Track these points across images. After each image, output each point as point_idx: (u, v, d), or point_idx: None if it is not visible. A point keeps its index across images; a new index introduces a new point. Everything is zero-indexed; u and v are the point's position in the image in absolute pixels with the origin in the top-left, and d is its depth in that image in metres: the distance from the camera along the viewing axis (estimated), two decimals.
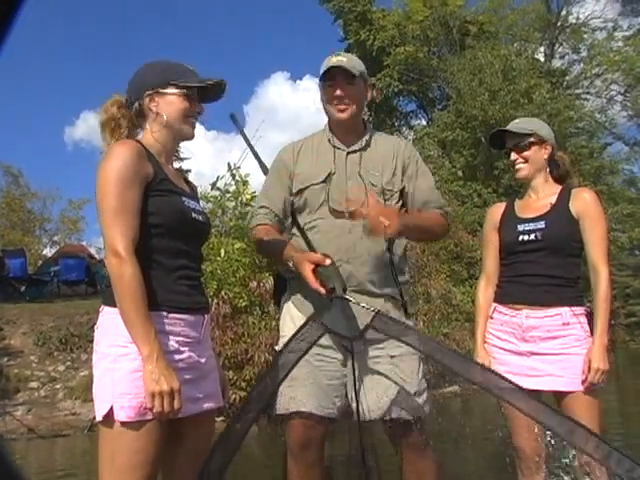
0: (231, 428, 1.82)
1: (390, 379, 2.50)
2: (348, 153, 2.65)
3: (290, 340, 2.07)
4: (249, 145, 2.76)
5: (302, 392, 2.48)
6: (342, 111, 2.62)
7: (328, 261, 2.29)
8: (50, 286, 15.51)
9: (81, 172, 57.54)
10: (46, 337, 10.89)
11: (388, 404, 2.48)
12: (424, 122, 28.83)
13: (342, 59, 2.61)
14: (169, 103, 2.16)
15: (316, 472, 2.54)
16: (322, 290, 2.25)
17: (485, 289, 2.98)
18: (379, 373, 2.50)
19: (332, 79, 2.61)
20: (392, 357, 2.43)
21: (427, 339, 2.13)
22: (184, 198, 2.16)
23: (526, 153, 2.86)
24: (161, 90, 2.15)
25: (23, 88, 54.24)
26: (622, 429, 7.57)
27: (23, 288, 15.14)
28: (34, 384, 9.71)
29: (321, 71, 2.61)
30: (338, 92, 2.61)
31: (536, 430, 2.48)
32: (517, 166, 2.89)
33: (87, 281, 15.88)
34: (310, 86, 47.59)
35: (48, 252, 28.82)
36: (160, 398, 1.86)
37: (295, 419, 2.50)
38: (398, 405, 2.49)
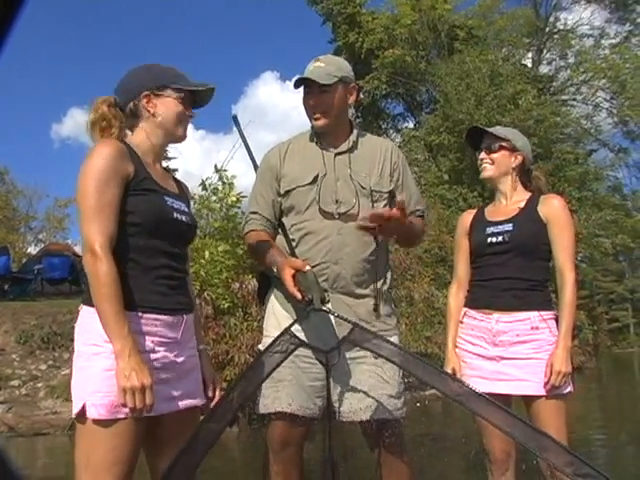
0: (202, 429, 1.82)
1: (372, 379, 2.52)
2: (336, 154, 2.66)
3: (263, 352, 2.07)
4: (247, 149, 2.80)
5: (285, 393, 2.51)
6: (317, 120, 2.64)
7: (307, 267, 2.31)
8: (34, 284, 15.42)
9: (68, 169, 57.37)
10: (28, 335, 10.82)
11: (369, 405, 2.51)
12: (411, 125, 28.95)
13: (320, 65, 2.62)
14: (166, 105, 2.20)
15: (295, 470, 2.58)
16: (298, 295, 2.28)
17: (456, 294, 3.00)
18: (361, 374, 2.53)
19: (307, 86, 2.63)
20: (376, 358, 2.41)
21: (404, 353, 2.15)
22: (167, 198, 2.17)
23: (494, 155, 2.91)
24: (158, 92, 2.20)
25: (10, 84, 53.96)
26: (604, 430, 7.68)
27: (7, 286, 15.06)
28: (15, 382, 9.65)
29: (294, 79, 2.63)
30: (311, 102, 2.64)
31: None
32: (483, 165, 2.95)
33: (71, 280, 15.79)
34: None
35: (33, 250, 28.64)
36: (132, 394, 1.86)
37: (277, 418, 2.53)
38: (378, 406, 2.52)
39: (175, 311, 2.13)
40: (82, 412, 1.95)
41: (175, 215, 2.17)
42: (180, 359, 2.13)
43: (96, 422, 1.93)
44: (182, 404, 2.13)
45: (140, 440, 2.00)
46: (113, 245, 1.98)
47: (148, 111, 2.20)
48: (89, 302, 1.99)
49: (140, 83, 2.20)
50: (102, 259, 1.92)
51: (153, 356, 2.03)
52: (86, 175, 2.02)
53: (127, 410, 1.90)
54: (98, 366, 1.95)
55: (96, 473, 1.94)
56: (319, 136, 2.70)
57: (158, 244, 2.11)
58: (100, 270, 1.92)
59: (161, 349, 2.07)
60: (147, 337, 2.03)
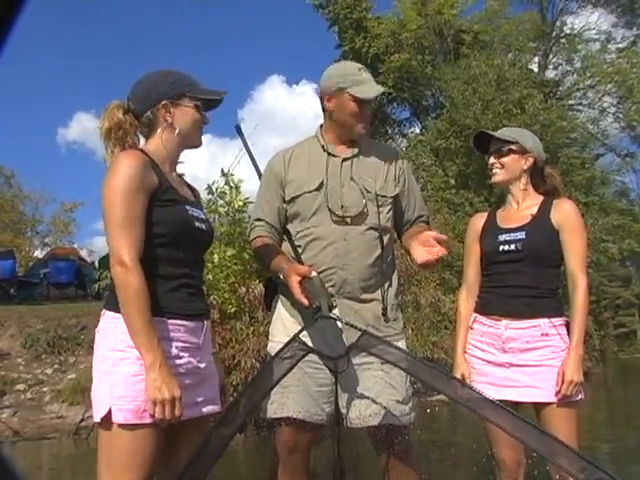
0: (211, 436, 1.81)
1: (380, 385, 2.52)
2: (343, 160, 2.66)
3: (272, 358, 2.08)
4: (251, 157, 2.79)
5: (292, 399, 2.51)
6: (364, 128, 2.67)
7: (313, 273, 2.33)
8: (40, 288, 15.46)
9: (73, 174, 57.63)
10: (34, 339, 10.85)
11: (377, 411, 2.51)
12: (417, 130, 28.87)
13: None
14: (185, 114, 2.21)
15: (302, 476, 2.59)
16: (305, 301, 2.30)
17: (466, 300, 2.98)
18: (369, 380, 2.52)
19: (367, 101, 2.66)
20: (383, 364, 2.42)
21: (413, 359, 2.14)
22: (188, 207, 2.19)
23: (504, 159, 2.87)
24: (176, 101, 2.20)
25: (17, 89, 54.18)
26: (610, 437, 7.63)
27: (12, 290, 15.11)
28: (21, 387, 9.67)
29: (361, 91, 2.59)
30: (367, 113, 2.67)
31: (515, 442, 2.48)
32: (493, 170, 2.91)
33: (77, 284, 15.83)
34: (306, 91, 47.79)
35: (39, 254, 28.81)
36: (161, 405, 1.90)
37: (285, 424, 2.53)
38: (386, 412, 2.51)
39: (196, 317, 2.16)
40: (107, 416, 1.95)
41: (196, 224, 2.19)
42: (202, 365, 2.16)
43: (121, 426, 1.94)
44: (204, 410, 2.15)
45: (161, 444, 2.02)
46: (140, 256, 1.99)
47: (166, 120, 2.20)
48: (112, 308, 2.02)
49: (158, 92, 2.19)
50: (132, 271, 1.94)
51: (178, 362, 2.05)
52: (113, 187, 2.01)
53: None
54: (124, 371, 1.97)
55: (117, 477, 1.95)
56: (325, 142, 2.70)
57: (180, 253, 2.13)
58: (130, 281, 1.94)
59: (185, 354, 2.09)
60: (172, 343, 2.05)
